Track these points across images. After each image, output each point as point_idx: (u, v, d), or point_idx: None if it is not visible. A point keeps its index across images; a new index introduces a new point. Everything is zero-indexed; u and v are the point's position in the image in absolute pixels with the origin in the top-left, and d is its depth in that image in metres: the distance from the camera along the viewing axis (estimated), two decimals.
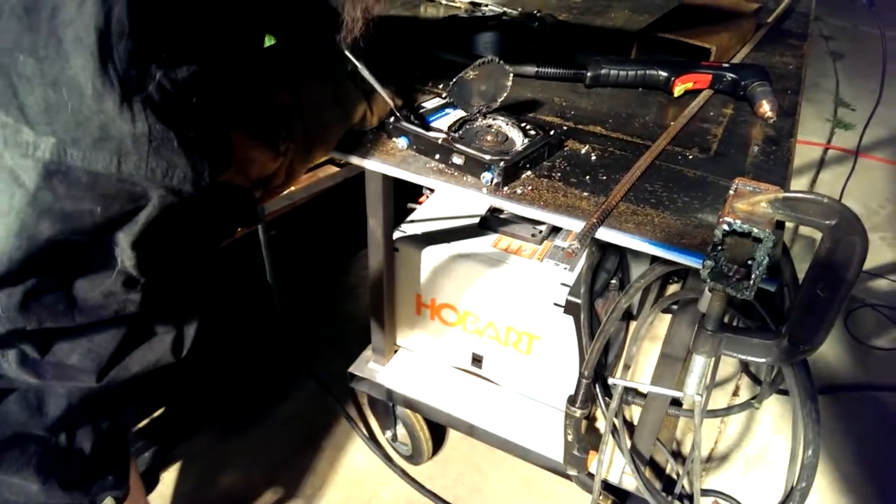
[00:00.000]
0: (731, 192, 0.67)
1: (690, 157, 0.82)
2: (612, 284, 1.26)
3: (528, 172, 0.77)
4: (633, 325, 1.51)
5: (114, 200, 0.45)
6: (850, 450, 1.59)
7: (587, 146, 0.84)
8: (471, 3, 1.28)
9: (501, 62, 0.77)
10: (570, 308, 1.19)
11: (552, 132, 0.80)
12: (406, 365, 1.44)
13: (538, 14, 1.22)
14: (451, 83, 0.77)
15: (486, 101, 0.81)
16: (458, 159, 0.76)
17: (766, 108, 0.91)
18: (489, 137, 0.79)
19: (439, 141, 0.77)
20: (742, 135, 0.89)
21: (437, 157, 0.78)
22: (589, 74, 0.98)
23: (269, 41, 0.77)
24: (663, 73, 0.97)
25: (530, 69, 0.99)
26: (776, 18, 1.30)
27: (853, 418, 1.67)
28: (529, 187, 0.75)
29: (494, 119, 0.82)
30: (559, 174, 0.78)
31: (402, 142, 0.80)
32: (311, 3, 0.63)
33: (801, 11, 1.40)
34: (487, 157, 0.74)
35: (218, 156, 0.51)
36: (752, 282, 0.58)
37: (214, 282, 0.62)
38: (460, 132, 0.80)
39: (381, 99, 0.79)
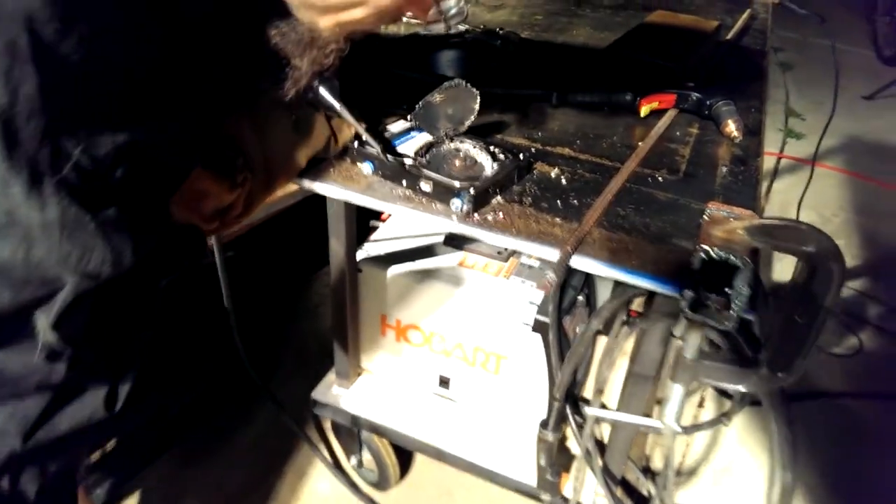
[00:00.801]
0: (706, 217, 0.65)
1: (660, 178, 0.81)
2: (578, 301, 1.24)
3: (499, 198, 0.75)
4: (599, 339, 1.50)
5: (24, 286, 0.42)
6: (809, 458, 1.61)
7: (556, 169, 0.82)
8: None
9: (468, 85, 0.75)
10: (538, 327, 1.17)
11: (521, 155, 0.79)
12: (371, 389, 1.40)
13: (500, 32, 1.21)
14: (417, 106, 0.75)
15: (453, 124, 0.79)
16: (426, 185, 0.74)
17: (731, 127, 0.90)
18: (457, 162, 0.77)
19: (406, 166, 0.74)
20: (709, 155, 0.88)
21: (405, 182, 0.75)
22: (555, 95, 0.97)
23: None
24: (628, 95, 0.96)
25: (497, 90, 0.97)
26: (735, 35, 1.31)
27: (812, 426, 1.70)
28: (501, 214, 0.72)
29: (462, 142, 0.80)
30: (530, 199, 0.76)
31: (366, 167, 0.77)
32: (255, 54, 0.59)
33: (758, 28, 1.42)
34: (457, 182, 0.72)
35: (147, 229, 0.47)
36: (733, 312, 0.57)
37: (155, 325, 0.58)
38: (427, 157, 0.77)
39: (345, 123, 0.76)
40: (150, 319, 0.56)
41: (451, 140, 0.80)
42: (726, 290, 0.59)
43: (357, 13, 0.55)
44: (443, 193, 0.73)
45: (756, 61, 1.22)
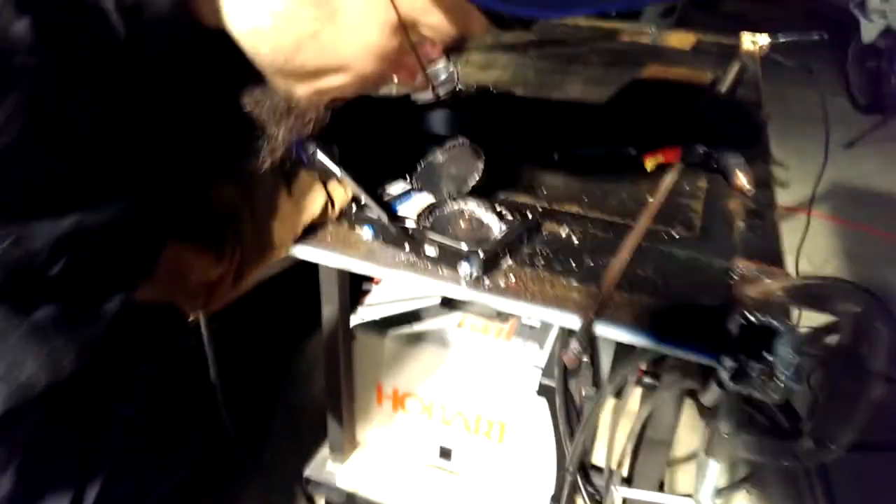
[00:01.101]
0: (735, 276, 0.61)
1: (676, 236, 0.77)
2: (583, 363, 1.19)
3: (509, 260, 0.70)
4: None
5: None
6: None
7: (566, 228, 0.78)
8: None
9: (473, 144, 0.71)
10: (543, 391, 1.11)
11: (529, 215, 0.74)
12: (368, 464, 1.31)
13: (494, 91, 1.19)
14: (418, 166, 0.71)
15: (456, 184, 0.74)
16: (431, 250, 0.69)
17: (742, 180, 0.87)
18: (462, 224, 0.72)
19: (409, 230, 0.70)
20: (723, 209, 0.84)
21: (407, 247, 0.71)
22: (557, 152, 0.93)
23: None
24: (632, 149, 0.93)
25: (495, 149, 0.94)
26: (729, 88, 1.30)
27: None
28: (513, 278, 0.68)
29: (466, 203, 0.76)
30: (542, 261, 0.71)
31: (367, 232, 0.73)
32: (229, 123, 0.55)
33: (750, 80, 1.41)
34: (464, 245, 0.67)
35: (98, 323, 0.41)
36: (780, 383, 0.51)
37: (133, 414, 0.52)
38: (430, 219, 0.73)
39: (342, 186, 0.71)
40: (124, 412, 0.50)
41: (455, 201, 0.75)
42: (766, 356, 0.54)
43: (336, 80, 0.51)
44: (449, 258, 0.68)
45: (753, 113, 1.21)
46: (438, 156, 0.70)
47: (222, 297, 0.68)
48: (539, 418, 1.14)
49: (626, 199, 0.86)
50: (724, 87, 1.29)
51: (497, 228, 0.72)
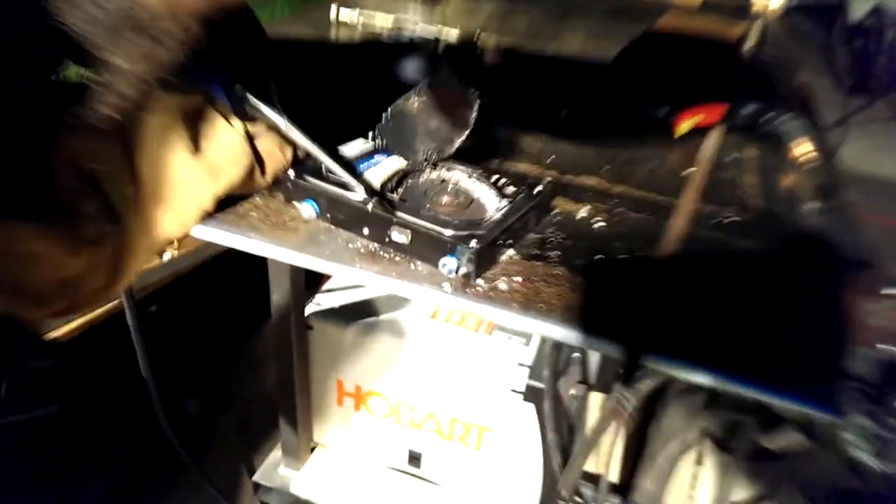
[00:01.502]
0: (856, 295, 0.41)
1: (733, 219, 0.57)
2: (573, 358, 1.00)
3: (511, 252, 0.49)
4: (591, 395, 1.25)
5: None
6: None
7: (586, 207, 0.57)
8: (395, 26, 1.01)
9: (461, 83, 0.50)
10: (531, 394, 0.93)
11: (537, 188, 0.53)
12: (326, 468, 1.17)
13: (478, 38, 0.97)
14: (383, 116, 0.49)
15: (436, 143, 0.53)
16: (399, 235, 0.47)
17: (805, 147, 0.67)
18: (445, 199, 0.51)
19: (368, 206, 0.48)
20: (783, 185, 0.64)
21: (366, 231, 0.49)
22: (566, 109, 0.72)
23: None
24: (663, 107, 0.72)
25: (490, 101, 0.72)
26: (756, 47, 1.10)
27: None
28: (518, 279, 0.47)
29: (449, 170, 0.54)
30: (557, 254, 0.50)
31: (307, 209, 0.51)
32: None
33: (776, 40, 1.21)
34: (448, 230, 0.45)
35: None
36: None
37: None
38: (400, 191, 0.51)
39: (277, 143, 0.50)
40: None
41: (435, 167, 0.54)
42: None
43: None
44: (426, 247, 0.46)
45: (791, 74, 1.01)
46: (412, 101, 0.48)
47: (92, 299, 0.45)
48: (524, 424, 0.98)
49: (658, 171, 0.66)
50: (749, 46, 1.09)
51: (493, 205, 0.50)
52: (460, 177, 0.54)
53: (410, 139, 0.52)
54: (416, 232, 0.47)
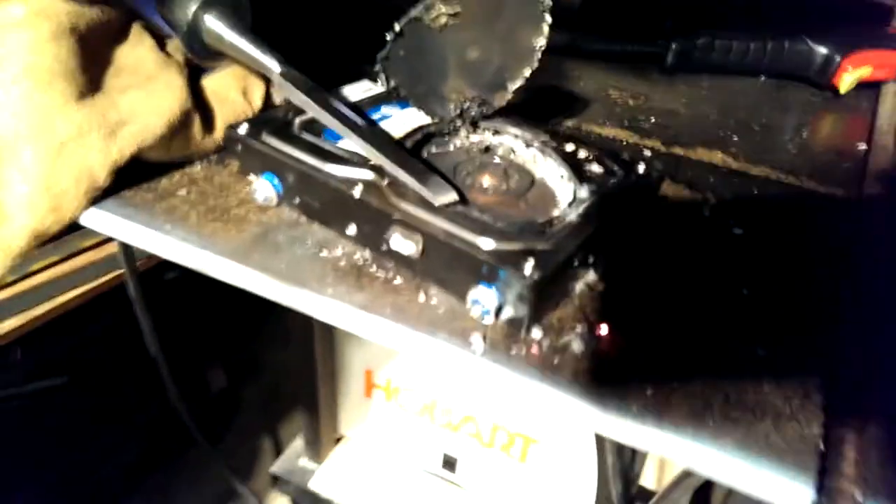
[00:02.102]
0: None
1: None
2: None
3: (593, 276, 0.29)
4: None
5: None
6: None
7: (710, 200, 0.36)
8: None
9: None
10: None
11: (640, 165, 0.32)
12: (350, 463, 1.08)
13: None
14: (390, 39, 0.29)
15: (478, 87, 0.32)
16: (403, 242, 0.27)
17: None
18: (488, 181, 0.31)
19: (354, 190, 0.28)
20: None
21: (352, 230, 0.29)
22: (674, 48, 0.50)
23: None
24: (821, 49, 0.49)
25: (559, 37, 0.51)
26: None
27: None
28: (604, 329, 0.26)
29: (498, 133, 0.34)
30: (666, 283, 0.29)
31: (265, 187, 0.31)
32: None
33: None
34: (487, 240, 0.26)
35: None
36: None
37: None
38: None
39: (239, 86, 0.32)
40: None
41: (475, 128, 0.34)
42: None
43: None
44: (448, 266, 0.27)
45: None
46: (437, 9, 0.28)
47: None
48: (579, 441, 0.87)
49: (813, 145, 0.44)
50: None
51: (566, 195, 0.30)
52: (514, 144, 0.34)
53: (435, 79, 0.31)
54: (432, 238, 0.27)
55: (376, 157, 0.29)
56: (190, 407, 1.20)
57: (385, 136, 0.32)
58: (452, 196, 0.28)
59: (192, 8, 0.30)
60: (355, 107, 0.33)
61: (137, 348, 1.13)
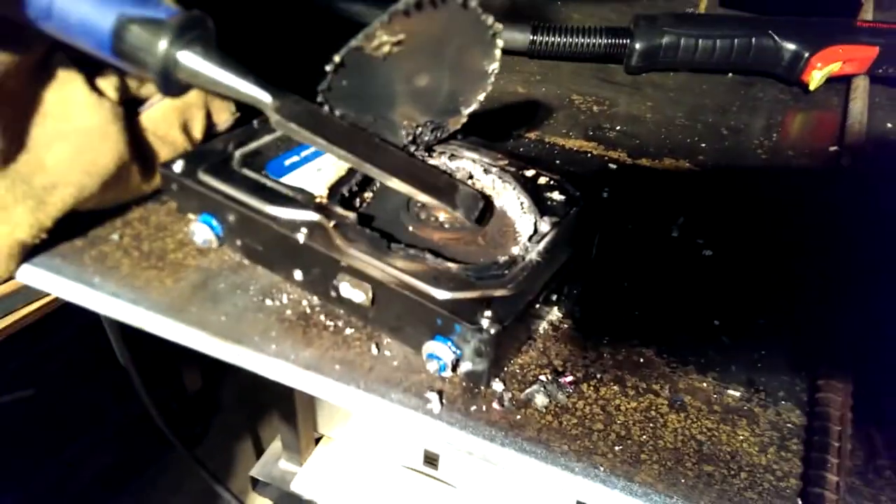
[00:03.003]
0: None
1: None
2: None
3: (557, 314, 0.27)
4: None
5: None
6: None
7: (679, 218, 0.34)
8: None
9: (472, 4, 0.26)
10: None
11: (604, 191, 0.30)
12: (331, 464, 1.05)
13: None
14: (331, 67, 0.26)
15: (430, 113, 0.30)
16: (352, 291, 0.25)
17: None
18: (444, 215, 0.29)
19: (298, 235, 0.26)
20: None
21: (299, 275, 0.27)
22: (637, 47, 0.48)
23: None
24: (789, 46, 0.48)
25: (520, 36, 0.49)
26: None
27: None
28: (568, 378, 0.25)
29: (454, 158, 0.32)
30: (638, 317, 0.28)
31: (202, 231, 0.29)
32: None
33: None
34: (440, 291, 0.24)
35: None
36: None
37: None
38: (368, 197, 0.29)
39: (180, 121, 0.29)
40: None
41: (429, 154, 0.32)
42: None
43: None
44: (401, 315, 0.25)
45: None
46: (378, 37, 0.25)
47: None
48: None
49: (783, 149, 0.42)
50: None
51: (527, 227, 0.28)
52: (472, 169, 0.32)
53: (383, 107, 0.29)
54: (382, 286, 0.25)
55: (401, 187, 0.26)
56: (166, 409, 1.17)
57: (401, 158, 0.29)
58: (481, 203, 0.27)
59: (162, 47, 0.26)
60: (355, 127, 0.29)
61: (109, 353, 1.10)
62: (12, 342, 0.81)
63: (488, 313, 0.23)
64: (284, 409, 0.99)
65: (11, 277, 0.29)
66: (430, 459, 1.01)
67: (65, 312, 0.90)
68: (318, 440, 1.06)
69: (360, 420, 1.03)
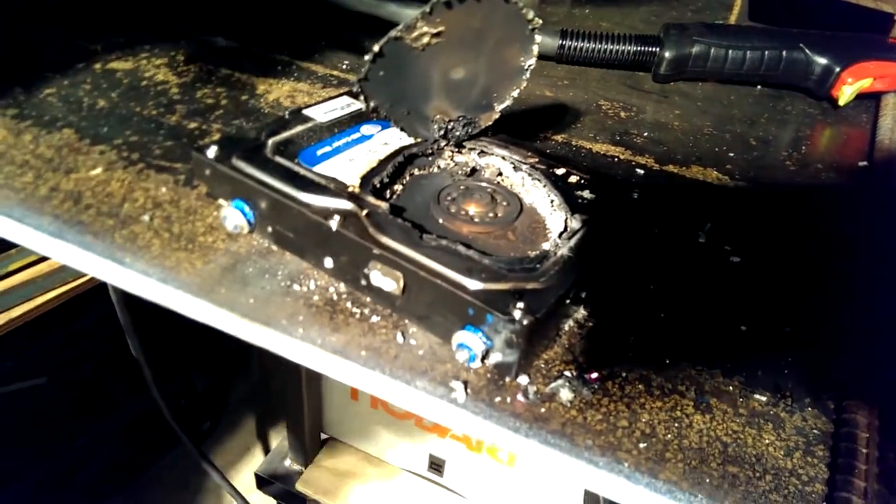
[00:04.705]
0: None
1: None
2: None
3: (583, 313, 0.27)
4: None
5: None
6: None
7: (706, 224, 0.34)
8: None
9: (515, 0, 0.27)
10: None
11: (634, 192, 0.30)
12: (336, 465, 1.06)
13: None
14: (371, 52, 0.26)
15: (464, 107, 0.30)
16: (383, 279, 0.25)
17: None
18: (474, 208, 0.29)
19: (332, 222, 0.26)
20: None
21: (329, 263, 0.27)
22: (667, 55, 0.48)
23: None
24: (820, 60, 0.48)
25: (549, 41, 0.49)
26: None
27: None
28: (593, 374, 0.24)
29: (485, 154, 0.32)
30: (664, 319, 0.28)
31: (234, 216, 0.29)
32: None
33: None
34: (472, 281, 0.24)
35: None
36: None
37: None
38: (398, 189, 0.29)
39: None
40: None
41: (460, 149, 0.32)
42: None
43: None
44: (430, 305, 0.25)
45: None
46: (418, 29, 0.26)
47: None
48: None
49: (812, 162, 0.42)
50: None
51: (558, 224, 0.28)
52: (501, 166, 0.32)
53: (417, 99, 0.29)
54: (414, 276, 0.25)
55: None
56: (175, 405, 1.17)
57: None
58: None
59: None
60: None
61: (121, 346, 1.11)
62: (28, 330, 0.81)
63: (521, 305, 0.23)
64: (292, 409, 0.99)
65: None
66: (436, 465, 1.01)
67: (80, 303, 0.90)
68: (324, 442, 1.06)
69: (364, 424, 1.03)
